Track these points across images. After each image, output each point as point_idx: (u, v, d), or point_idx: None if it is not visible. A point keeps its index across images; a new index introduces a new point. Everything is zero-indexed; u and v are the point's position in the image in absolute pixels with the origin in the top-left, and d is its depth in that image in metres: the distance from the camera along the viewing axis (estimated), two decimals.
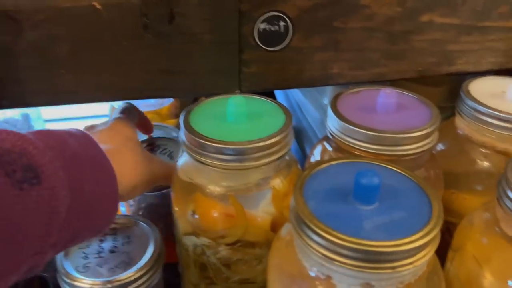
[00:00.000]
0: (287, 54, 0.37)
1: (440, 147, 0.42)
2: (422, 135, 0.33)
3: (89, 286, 0.35)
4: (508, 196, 0.28)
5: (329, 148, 0.37)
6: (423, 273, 0.26)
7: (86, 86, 0.35)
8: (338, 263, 0.23)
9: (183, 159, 0.36)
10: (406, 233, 0.24)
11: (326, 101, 0.55)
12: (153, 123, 0.48)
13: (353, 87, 0.39)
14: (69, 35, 0.33)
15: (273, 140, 0.32)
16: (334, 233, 0.23)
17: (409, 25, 0.38)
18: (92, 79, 0.34)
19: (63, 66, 0.33)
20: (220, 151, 0.31)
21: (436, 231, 0.24)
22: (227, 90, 0.37)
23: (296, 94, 0.66)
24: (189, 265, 0.37)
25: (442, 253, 0.32)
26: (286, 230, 0.30)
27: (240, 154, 0.31)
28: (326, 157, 0.38)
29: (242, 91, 0.38)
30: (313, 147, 0.40)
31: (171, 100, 0.61)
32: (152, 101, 0.62)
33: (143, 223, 0.40)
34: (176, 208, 0.36)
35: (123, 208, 0.48)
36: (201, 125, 0.33)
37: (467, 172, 0.39)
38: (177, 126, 0.59)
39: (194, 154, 0.33)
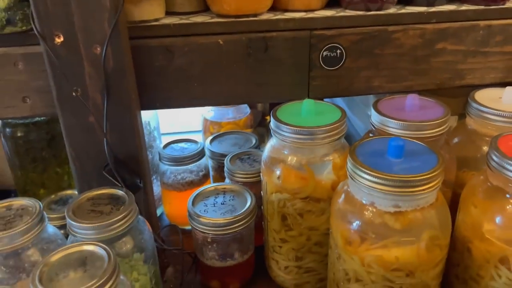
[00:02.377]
0: (341, 72, 0.54)
1: (455, 140, 0.56)
2: (437, 123, 0.49)
3: (208, 221, 0.52)
4: (492, 159, 0.43)
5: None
6: (433, 203, 0.41)
7: (209, 94, 0.53)
8: (379, 190, 0.39)
9: (271, 142, 0.52)
10: (421, 171, 0.39)
11: (368, 111, 0.71)
12: (235, 130, 0.66)
13: (389, 95, 0.55)
14: (201, 60, 0.51)
15: (333, 126, 0.48)
16: (375, 171, 0.39)
17: (428, 50, 0.54)
18: (213, 89, 0.52)
19: (196, 81, 0.52)
20: (297, 132, 0.48)
21: (440, 171, 0.39)
22: (299, 97, 0.54)
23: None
24: (273, 216, 0.53)
25: (455, 208, 0.46)
26: (340, 186, 0.46)
27: (311, 134, 0.48)
28: None
29: (310, 98, 0.54)
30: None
31: (248, 113, 0.79)
32: (231, 114, 0.79)
33: (245, 189, 0.57)
34: (265, 177, 0.53)
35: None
36: (284, 118, 0.50)
37: (474, 155, 0.53)
38: (254, 132, 0.77)
39: (279, 136, 0.49)
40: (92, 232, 0.44)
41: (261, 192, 0.56)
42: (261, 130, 0.87)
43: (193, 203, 0.55)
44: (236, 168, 0.62)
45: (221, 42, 0.50)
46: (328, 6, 0.55)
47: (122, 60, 0.46)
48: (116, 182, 0.49)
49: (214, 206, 0.55)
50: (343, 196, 0.44)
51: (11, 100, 0.50)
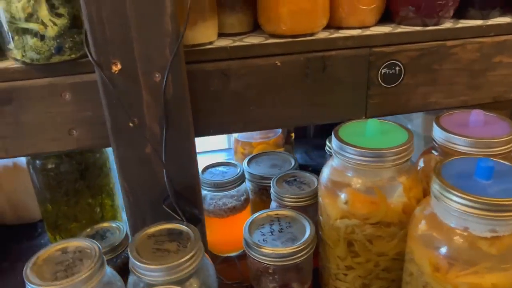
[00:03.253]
0: (399, 89, 0.52)
1: None
2: (506, 140, 0.47)
3: (271, 251, 0.49)
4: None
5: (435, 153, 0.51)
6: None
7: (265, 117, 0.50)
8: (474, 215, 0.37)
9: (333, 163, 0.50)
10: None
11: (410, 125, 0.70)
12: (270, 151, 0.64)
13: (447, 111, 0.53)
14: (257, 83, 0.48)
15: (402, 147, 0.46)
16: (471, 195, 0.37)
17: (485, 64, 0.53)
18: (269, 112, 0.50)
19: (252, 104, 0.49)
20: (364, 155, 0.46)
21: None
22: (356, 117, 0.52)
23: None
24: (338, 243, 0.50)
25: None
26: (419, 210, 0.44)
27: (380, 156, 0.46)
28: (432, 162, 0.52)
29: (367, 117, 0.52)
30: (419, 156, 0.54)
31: (279, 132, 0.77)
32: (259, 134, 0.77)
33: (300, 215, 0.54)
34: (326, 200, 0.50)
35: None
36: (347, 138, 0.48)
37: None
38: (286, 150, 0.74)
39: (343, 158, 0.47)
40: (160, 274, 0.41)
41: (319, 217, 0.53)
42: (288, 147, 0.85)
43: (249, 232, 0.52)
44: (285, 192, 0.59)
45: (278, 64, 0.48)
46: (379, 22, 0.53)
47: (182, 87, 0.44)
48: (176, 216, 0.46)
49: (272, 234, 0.52)
50: (424, 221, 0.42)
51: (56, 133, 0.47)
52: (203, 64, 0.47)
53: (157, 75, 0.42)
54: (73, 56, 0.44)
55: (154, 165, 0.46)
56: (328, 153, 0.74)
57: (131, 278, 0.44)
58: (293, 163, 0.68)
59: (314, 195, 0.59)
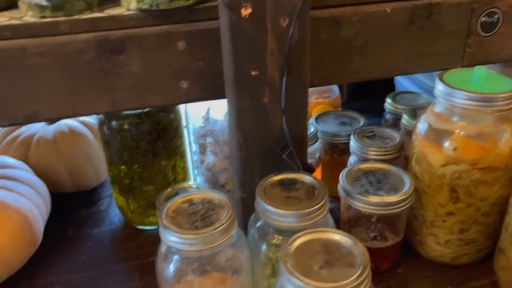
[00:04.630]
0: (494, 38, 0.52)
1: None
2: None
3: (378, 200, 0.49)
4: None
5: None
6: None
7: (368, 67, 0.50)
8: None
9: (436, 110, 0.50)
10: None
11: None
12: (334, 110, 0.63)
13: None
14: (365, 31, 0.48)
15: (508, 94, 0.47)
16: None
17: None
18: (372, 62, 0.50)
19: (357, 53, 0.49)
20: (477, 99, 0.46)
21: None
22: (453, 66, 0.53)
23: (423, 79, 0.83)
24: (440, 190, 0.51)
25: None
26: None
27: (490, 101, 0.46)
28: None
29: (462, 66, 0.53)
30: None
31: (337, 94, 0.77)
32: (317, 94, 0.77)
33: (391, 166, 0.55)
34: (427, 149, 0.51)
35: None
36: (455, 85, 0.48)
37: None
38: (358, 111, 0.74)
39: (450, 103, 0.48)
40: (294, 220, 0.41)
41: (412, 167, 0.54)
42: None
43: (348, 183, 0.53)
44: (369, 145, 0.59)
45: (388, 10, 0.48)
46: None
47: (306, 33, 0.43)
48: (293, 165, 0.46)
49: (371, 185, 0.53)
50: None
51: (165, 85, 0.45)
52: (318, 10, 0.46)
53: (285, 20, 0.41)
54: (190, 1, 0.42)
55: (269, 116, 0.45)
56: (387, 110, 0.75)
57: (255, 227, 0.44)
58: (362, 121, 0.68)
59: (399, 148, 0.60)
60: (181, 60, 0.44)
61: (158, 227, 0.40)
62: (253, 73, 0.43)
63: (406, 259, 0.57)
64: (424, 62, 0.52)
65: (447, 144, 0.49)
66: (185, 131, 0.65)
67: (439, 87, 0.49)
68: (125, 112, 0.57)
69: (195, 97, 0.47)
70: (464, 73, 0.51)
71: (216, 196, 0.43)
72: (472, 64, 0.53)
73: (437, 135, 0.50)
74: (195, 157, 0.67)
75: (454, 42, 0.51)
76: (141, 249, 0.63)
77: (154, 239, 0.65)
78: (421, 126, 0.52)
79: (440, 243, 0.54)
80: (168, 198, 0.56)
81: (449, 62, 0.52)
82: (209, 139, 0.63)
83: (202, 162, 0.64)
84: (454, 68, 0.52)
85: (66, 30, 0.41)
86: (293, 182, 0.45)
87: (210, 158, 0.63)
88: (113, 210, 0.70)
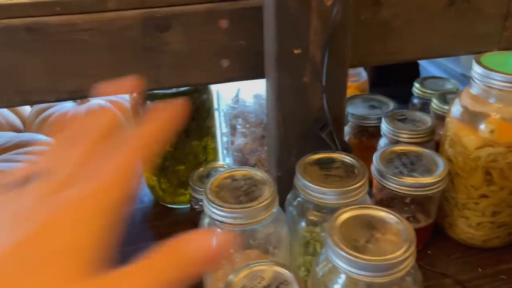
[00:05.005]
0: None
1: None
2: None
3: (413, 181, 0.50)
4: None
5: None
6: None
7: (405, 48, 0.50)
8: None
9: (473, 91, 0.51)
10: None
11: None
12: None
13: None
14: (404, 12, 0.48)
15: None
16: None
17: None
18: (410, 43, 0.50)
19: (395, 35, 0.49)
20: (509, 80, 0.47)
21: None
22: (489, 49, 0.53)
23: (449, 64, 0.83)
24: (474, 172, 0.51)
25: None
26: None
27: None
28: None
29: (499, 49, 0.53)
30: None
31: (364, 78, 0.77)
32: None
33: (423, 149, 0.55)
34: (461, 132, 0.51)
35: None
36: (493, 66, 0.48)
37: None
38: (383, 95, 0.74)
39: (488, 85, 0.48)
40: (336, 198, 0.42)
41: (445, 150, 0.55)
42: None
43: (384, 163, 0.53)
44: (401, 128, 0.60)
45: None
46: None
47: (348, 13, 0.43)
48: (331, 145, 0.47)
49: (405, 166, 0.53)
50: None
51: (207, 63, 0.46)
52: None
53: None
54: None
55: (309, 95, 0.46)
56: (415, 95, 0.75)
57: (292, 204, 0.45)
58: (391, 104, 0.69)
59: (431, 132, 0.60)
60: (223, 39, 0.45)
61: (188, 206, 0.41)
62: (295, 51, 0.43)
63: (436, 241, 0.58)
64: (461, 45, 0.52)
65: (483, 126, 0.49)
66: (216, 113, 0.66)
67: (476, 69, 0.49)
68: (159, 92, 0.58)
69: (235, 76, 0.47)
70: (500, 56, 0.51)
71: (258, 173, 0.43)
72: (508, 47, 0.53)
73: (472, 118, 0.51)
74: (225, 139, 0.68)
75: (492, 25, 0.51)
76: (171, 226, 0.64)
77: (185, 217, 0.67)
78: (456, 108, 0.53)
79: (471, 225, 0.55)
80: (201, 177, 0.57)
81: (486, 44, 0.52)
82: (239, 121, 0.63)
83: (232, 143, 0.65)
84: (491, 51, 0.52)
85: (114, 6, 0.42)
86: (332, 161, 0.45)
87: (240, 140, 0.64)
88: (143, 189, 0.71)
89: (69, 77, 0.44)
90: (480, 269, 0.54)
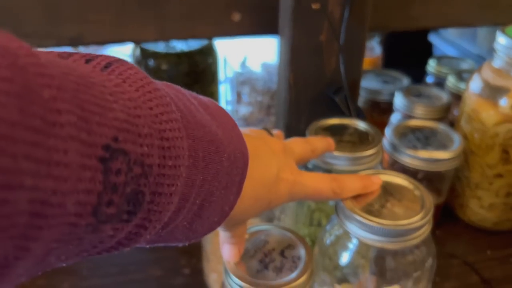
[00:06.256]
0: None
1: None
2: None
3: (427, 156, 0.47)
4: None
5: None
6: None
7: (428, 14, 0.47)
8: None
9: (495, 64, 0.48)
10: None
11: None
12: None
13: None
14: None
15: None
16: None
17: None
18: (433, 10, 0.47)
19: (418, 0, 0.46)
20: None
21: None
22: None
23: (464, 45, 0.80)
24: (491, 150, 0.49)
25: None
26: None
27: None
28: None
29: None
30: None
31: (378, 53, 0.74)
32: None
33: (438, 124, 0.52)
34: (480, 108, 0.49)
35: None
36: None
37: None
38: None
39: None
40: (349, 163, 0.39)
41: (463, 126, 0.52)
42: None
43: (395, 138, 0.51)
44: (416, 103, 0.57)
45: None
46: None
47: None
48: (344, 110, 0.44)
49: (419, 141, 0.51)
50: None
51: (217, 15, 0.43)
52: None
53: None
54: None
55: (324, 55, 0.43)
56: (430, 74, 0.72)
57: None
58: (405, 79, 0.66)
59: (447, 108, 0.57)
60: None
61: None
62: (313, 6, 0.40)
63: (445, 222, 0.56)
64: (484, 15, 0.49)
65: (504, 101, 0.47)
66: (221, 80, 0.63)
67: (501, 41, 0.46)
68: (163, 51, 0.55)
69: (247, 31, 0.44)
70: None
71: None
72: None
73: (493, 92, 0.48)
74: (229, 107, 0.65)
75: None
76: None
77: None
78: (475, 83, 0.50)
79: (483, 206, 0.52)
80: None
81: (509, 16, 0.50)
82: (246, 88, 0.61)
83: (236, 112, 0.63)
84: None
85: None
86: (345, 127, 0.43)
87: (245, 109, 0.62)
88: None
89: (71, 23, 0.41)
90: (489, 252, 0.52)
